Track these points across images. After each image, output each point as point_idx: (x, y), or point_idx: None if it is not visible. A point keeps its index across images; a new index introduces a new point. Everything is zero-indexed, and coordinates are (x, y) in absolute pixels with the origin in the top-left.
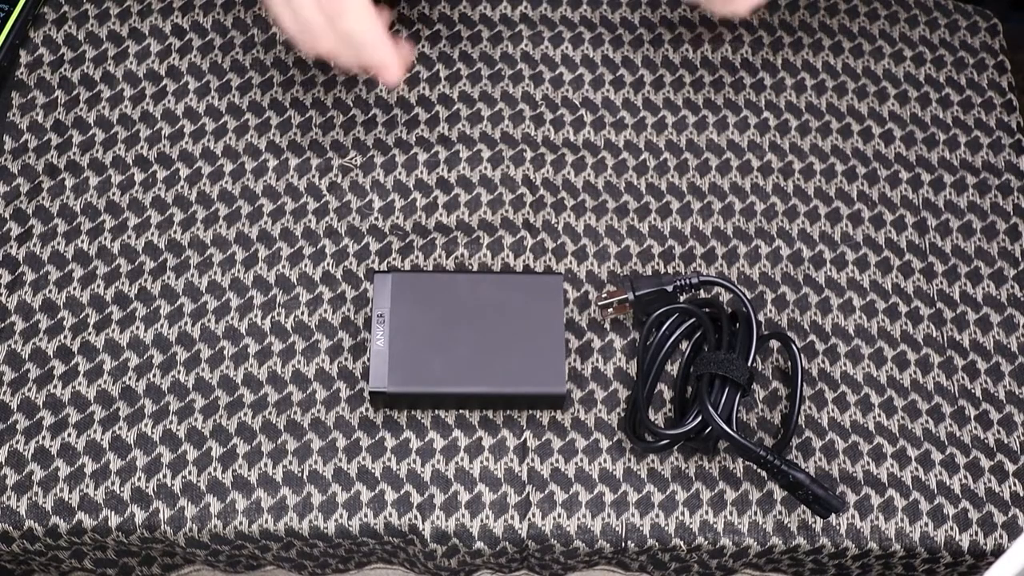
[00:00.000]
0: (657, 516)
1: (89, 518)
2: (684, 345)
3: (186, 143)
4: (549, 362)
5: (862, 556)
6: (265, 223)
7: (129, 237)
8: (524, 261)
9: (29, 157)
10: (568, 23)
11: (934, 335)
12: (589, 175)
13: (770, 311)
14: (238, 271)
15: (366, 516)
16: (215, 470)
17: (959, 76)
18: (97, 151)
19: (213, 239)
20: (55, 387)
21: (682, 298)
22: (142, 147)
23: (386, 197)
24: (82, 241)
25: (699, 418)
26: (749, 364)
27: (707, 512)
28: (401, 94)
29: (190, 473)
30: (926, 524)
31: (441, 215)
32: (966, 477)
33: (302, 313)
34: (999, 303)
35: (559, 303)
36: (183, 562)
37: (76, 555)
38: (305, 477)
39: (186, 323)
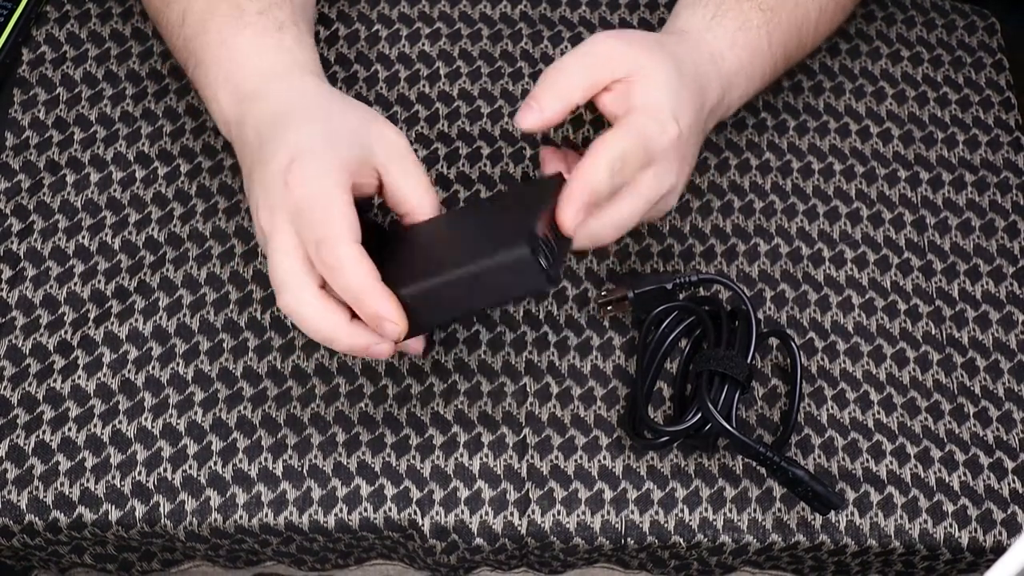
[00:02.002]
0: (656, 513)
1: (89, 512)
2: (683, 343)
3: (187, 139)
4: (512, 231)
5: (861, 553)
6: None
7: (130, 233)
8: None
9: (31, 153)
10: (567, 23)
11: (933, 332)
12: None
13: (769, 309)
14: (237, 264)
15: (366, 511)
16: (215, 464)
17: (956, 75)
18: (99, 147)
19: (212, 231)
20: (55, 381)
21: (681, 296)
22: (143, 144)
23: None
24: (83, 237)
25: (698, 415)
26: (748, 361)
27: (707, 509)
28: (401, 91)
29: (190, 467)
30: (925, 521)
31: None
32: (965, 474)
33: None
34: (998, 300)
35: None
36: (183, 557)
37: (76, 550)
38: (305, 472)
39: (184, 315)
